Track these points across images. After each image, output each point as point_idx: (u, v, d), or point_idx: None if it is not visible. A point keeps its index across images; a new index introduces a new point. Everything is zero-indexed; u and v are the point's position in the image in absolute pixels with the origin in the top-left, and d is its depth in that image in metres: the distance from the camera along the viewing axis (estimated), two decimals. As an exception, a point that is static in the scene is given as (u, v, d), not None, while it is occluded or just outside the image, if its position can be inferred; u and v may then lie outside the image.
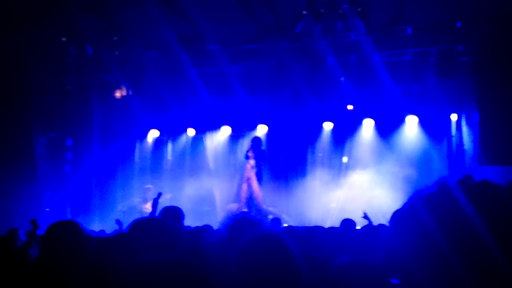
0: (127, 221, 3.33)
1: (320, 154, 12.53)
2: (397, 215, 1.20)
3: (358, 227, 6.00)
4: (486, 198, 1.08)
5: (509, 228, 1.04)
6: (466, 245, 1.04)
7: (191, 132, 13.30)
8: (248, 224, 3.61)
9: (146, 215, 8.58)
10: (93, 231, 8.50)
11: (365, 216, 6.81)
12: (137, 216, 8.13)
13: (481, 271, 1.02)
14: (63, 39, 12.61)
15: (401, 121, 12.03)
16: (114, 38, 12.36)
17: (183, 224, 4.45)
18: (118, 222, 8.72)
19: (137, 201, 12.20)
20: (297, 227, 5.66)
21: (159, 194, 6.80)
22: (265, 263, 2.01)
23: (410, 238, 1.12)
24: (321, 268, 2.00)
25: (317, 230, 5.16)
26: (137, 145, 13.49)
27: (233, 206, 11.39)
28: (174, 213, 4.28)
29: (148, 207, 10.57)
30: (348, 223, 5.65)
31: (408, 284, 1.16)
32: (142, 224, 2.81)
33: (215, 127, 13.02)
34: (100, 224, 11.37)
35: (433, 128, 11.68)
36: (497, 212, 1.06)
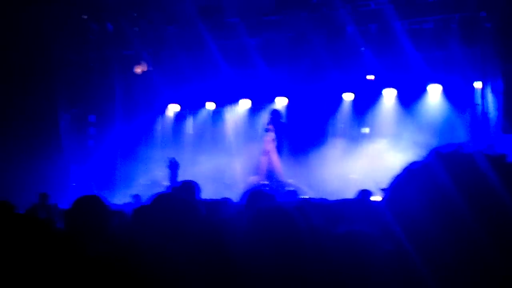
0: (148, 195, 3.36)
1: (342, 125, 12.45)
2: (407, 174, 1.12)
3: (375, 197, 5.99)
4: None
5: None
6: (486, 210, 1.00)
7: (210, 105, 13.35)
8: (262, 196, 3.67)
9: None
10: (116, 204, 8.70)
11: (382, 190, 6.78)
12: (159, 190, 8.28)
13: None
14: (84, 16, 12.67)
15: (423, 90, 11.82)
16: (134, 14, 12.38)
17: (198, 197, 4.52)
18: (135, 196, 8.80)
19: (160, 175, 12.35)
20: (313, 198, 5.70)
21: (172, 163, 5.94)
22: (271, 232, 2.07)
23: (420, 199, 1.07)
24: (323, 238, 2.06)
25: (334, 202, 5.18)
26: (159, 119, 13.62)
27: (254, 179, 11.46)
28: (189, 187, 4.36)
29: None
30: (364, 193, 5.67)
31: (402, 250, 1.12)
32: (165, 199, 2.80)
33: (235, 100, 13.03)
34: (123, 198, 11.61)
35: (457, 96, 11.44)
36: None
